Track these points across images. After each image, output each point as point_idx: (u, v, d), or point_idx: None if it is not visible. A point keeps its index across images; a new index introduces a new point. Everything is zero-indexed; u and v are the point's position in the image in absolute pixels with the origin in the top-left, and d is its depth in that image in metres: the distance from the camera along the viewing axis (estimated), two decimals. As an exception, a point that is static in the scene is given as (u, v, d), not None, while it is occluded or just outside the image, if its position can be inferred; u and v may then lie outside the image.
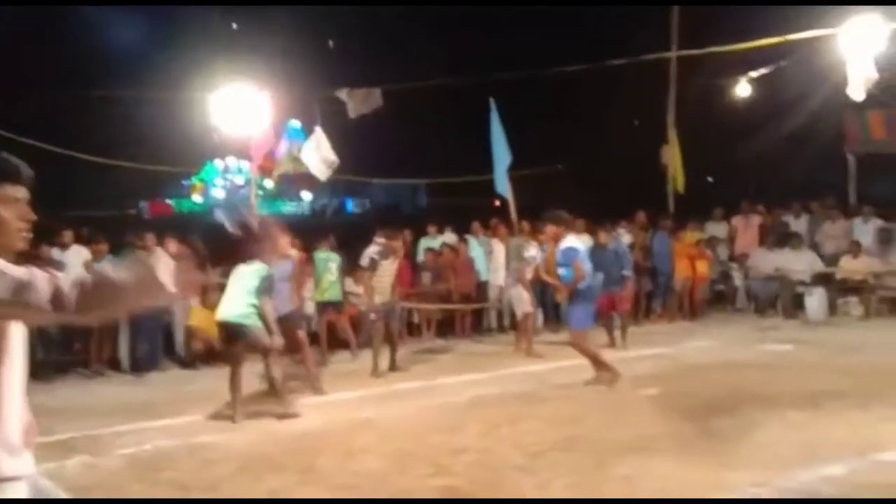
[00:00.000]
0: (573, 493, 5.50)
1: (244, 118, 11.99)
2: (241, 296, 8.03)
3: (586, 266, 9.23)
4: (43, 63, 24.81)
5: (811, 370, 9.58)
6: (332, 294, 11.89)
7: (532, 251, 12.05)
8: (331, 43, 30.11)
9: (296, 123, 14.55)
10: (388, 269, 10.55)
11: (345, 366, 11.26)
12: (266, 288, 8.14)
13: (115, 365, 11.24)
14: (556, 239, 9.25)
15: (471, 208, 17.51)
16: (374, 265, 10.52)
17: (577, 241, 9.49)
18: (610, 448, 6.49)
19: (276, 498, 5.68)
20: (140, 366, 11.16)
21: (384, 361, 10.53)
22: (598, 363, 9.22)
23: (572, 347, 9.39)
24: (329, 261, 11.97)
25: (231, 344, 8.31)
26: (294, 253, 10.24)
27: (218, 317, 8.23)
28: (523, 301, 11.88)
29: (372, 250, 12.85)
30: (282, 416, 7.92)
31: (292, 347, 9.31)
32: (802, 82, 17.62)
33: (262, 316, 8.12)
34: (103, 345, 11.25)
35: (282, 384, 8.28)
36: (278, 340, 8.21)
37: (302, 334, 9.47)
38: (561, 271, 9.20)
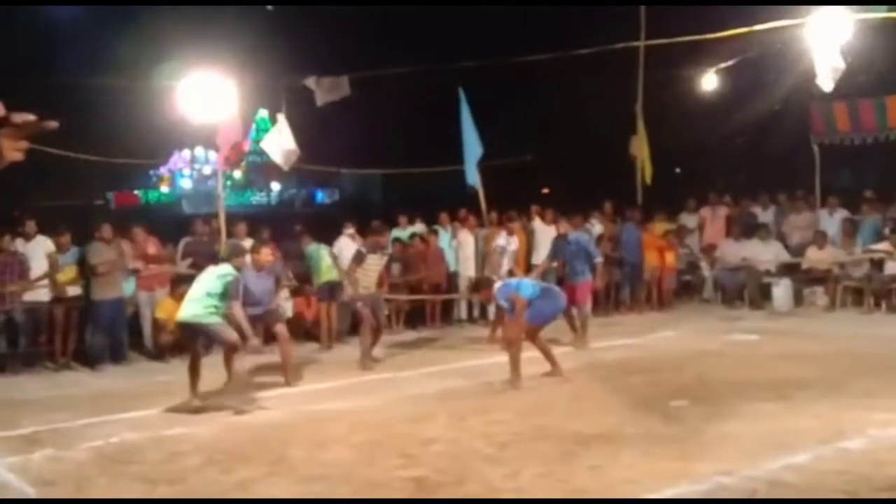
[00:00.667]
0: (541, 483, 5.52)
1: (210, 107, 11.88)
2: (200, 297, 8.09)
3: (525, 292, 9.12)
4: (4, 49, 24.44)
5: (777, 360, 9.68)
6: (331, 275, 12.13)
7: (500, 241, 12.05)
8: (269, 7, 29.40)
9: (263, 113, 14.42)
10: (375, 264, 10.56)
11: (314, 356, 11.25)
12: (233, 293, 8.18)
13: (81, 358, 11.14)
14: None
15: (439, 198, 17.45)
16: (360, 258, 10.50)
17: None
18: (578, 438, 6.53)
19: (243, 498, 5.64)
20: (107, 358, 11.06)
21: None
22: (549, 357, 9.29)
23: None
24: (321, 249, 12.38)
25: (191, 341, 8.34)
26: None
27: (177, 317, 8.28)
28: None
29: (343, 242, 12.86)
30: (238, 412, 7.88)
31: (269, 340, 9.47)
32: (769, 74, 17.80)
33: (227, 317, 8.16)
34: (69, 337, 11.14)
35: (240, 379, 8.33)
36: (255, 342, 8.30)
37: (282, 328, 9.48)
38: (505, 304, 9.31)
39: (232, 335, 8.09)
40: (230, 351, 8.21)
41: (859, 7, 11.31)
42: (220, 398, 8.26)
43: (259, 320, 9.28)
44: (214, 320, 8.06)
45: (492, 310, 12.50)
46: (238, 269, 8.37)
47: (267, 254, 9.61)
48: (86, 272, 11.09)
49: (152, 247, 12.31)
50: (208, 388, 8.41)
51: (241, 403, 8.07)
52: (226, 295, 8.13)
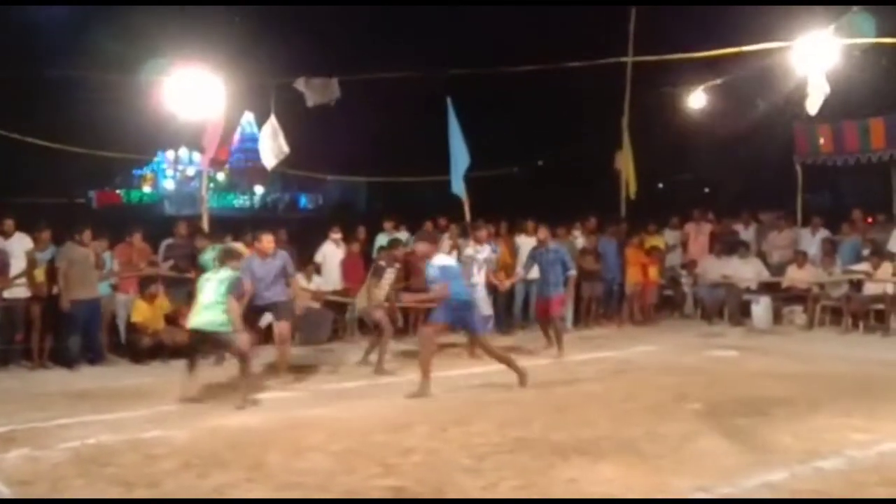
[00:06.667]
0: (519, 495, 5.52)
1: (197, 104, 11.82)
2: (212, 305, 8.30)
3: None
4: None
5: (755, 377, 9.73)
6: None
7: (468, 251, 12.01)
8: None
9: (249, 117, 14.42)
10: (389, 277, 10.87)
11: (293, 361, 11.19)
12: (234, 291, 8.44)
13: (59, 357, 11.04)
14: (428, 257, 9.10)
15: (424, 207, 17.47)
16: (378, 272, 10.84)
17: (447, 259, 9.55)
18: (556, 450, 6.53)
19: (221, 498, 5.61)
20: (84, 359, 10.98)
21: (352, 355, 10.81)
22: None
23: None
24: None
25: (198, 347, 8.64)
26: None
27: (191, 325, 8.42)
28: (486, 303, 11.79)
29: (328, 247, 12.82)
30: (239, 407, 8.15)
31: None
32: (756, 94, 17.93)
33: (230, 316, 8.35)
34: (46, 336, 11.05)
35: (252, 384, 8.72)
36: (244, 337, 8.42)
37: (284, 326, 9.77)
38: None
39: (243, 343, 8.35)
40: (241, 358, 8.47)
41: (846, 31, 11.40)
42: (202, 403, 8.29)
43: (265, 312, 9.70)
44: (228, 328, 8.27)
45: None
46: (235, 270, 8.63)
47: (269, 240, 9.80)
48: (53, 272, 11.00)
49: (144, 253, 12.30)
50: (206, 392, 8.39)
51: (230, 408, 8.12)
52: (227, 293, 8.38)
